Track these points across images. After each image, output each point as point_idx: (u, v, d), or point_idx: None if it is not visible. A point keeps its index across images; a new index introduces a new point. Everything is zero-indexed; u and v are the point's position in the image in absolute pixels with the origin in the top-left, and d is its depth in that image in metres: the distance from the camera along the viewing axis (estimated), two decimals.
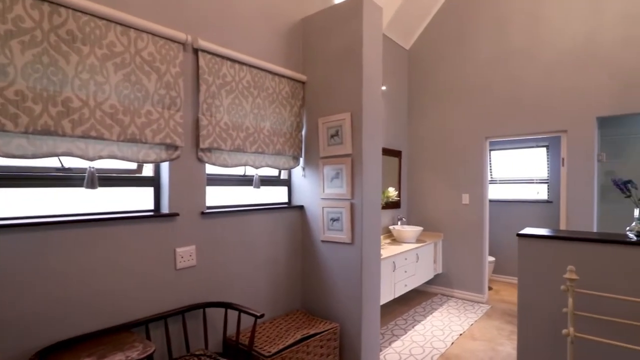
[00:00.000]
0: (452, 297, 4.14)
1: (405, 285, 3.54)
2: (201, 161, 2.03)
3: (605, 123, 3.58)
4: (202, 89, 2.00)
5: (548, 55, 3.57)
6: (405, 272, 3.53)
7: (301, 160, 2.74)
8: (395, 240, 3.99)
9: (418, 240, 3.93)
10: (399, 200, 4.35)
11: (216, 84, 2.08)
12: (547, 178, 4.59)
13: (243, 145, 2.23)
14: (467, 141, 4.09)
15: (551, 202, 4.51)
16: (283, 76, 2.52)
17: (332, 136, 2.56)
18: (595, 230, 3.33)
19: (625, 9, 3.18)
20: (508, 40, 3.82)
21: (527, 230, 2.18)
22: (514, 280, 4.73)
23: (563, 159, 3.58)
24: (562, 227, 3.56)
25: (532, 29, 3.67)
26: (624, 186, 1.73)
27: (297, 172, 2.78)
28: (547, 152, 4.58)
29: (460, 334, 3.10)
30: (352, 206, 2.43)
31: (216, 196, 2.25)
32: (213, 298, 2.09)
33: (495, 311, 3.67)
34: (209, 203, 2.13)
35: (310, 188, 2.69)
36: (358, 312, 2.36)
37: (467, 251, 4.07)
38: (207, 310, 2.05)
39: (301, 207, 2.75)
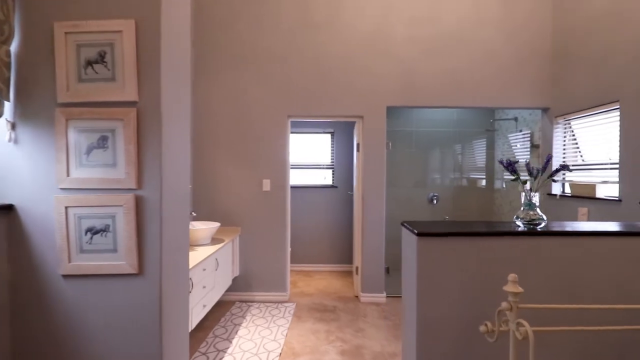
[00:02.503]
0: (253, 302, 3.49)
1: (204, 306, 2.58)
2: None
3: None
4: None
5: (349, 36, 3.47)
6: (204, 287, 2.56)
7: (6, 106, 1.28)
8: None
9: (214, 240, 3.02)
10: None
11: None
12: (331, 164, 4.72)
13: None
14: (268, 119, 3.50)
15: (336, 187, 4.67)
16: None
17: (90, 63, 1.28)
18: (385, 214, 3.52)
19: (410, 11, 3.45)
20: (311, 11, 3.48)
21: (423, 227, 1.55)
22: (307, 268, 4.65)
23: (358, 144, 3.62)
24: (358, 212, 3.61)
25: (334, 2, 3.47)
26: (511, 167, 1.56)
27: None
28: (332, 138, 4.71)
29: (279, 355, 2.48)
30: (138, 203, 1.28)
31: None
32: None
33: (301, 309, 3.31)
34: None
35: (32, 168, 1.29)
36: None
37: (267, 245, 3.52)
38: None
39: (7, 208, 1.29)
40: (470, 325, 1.44)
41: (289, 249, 3.60)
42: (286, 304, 3.43)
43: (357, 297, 3.65)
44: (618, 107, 2.65)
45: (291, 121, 3.62)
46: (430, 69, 3.45)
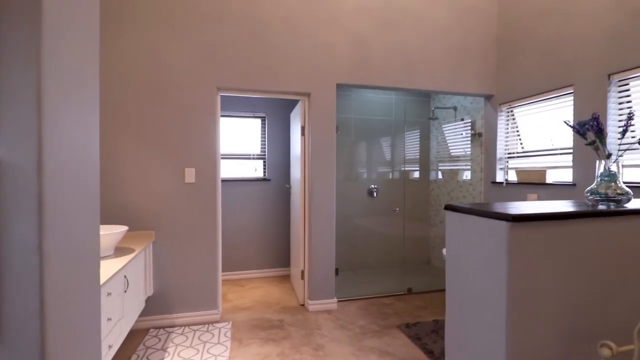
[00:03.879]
0: (173, 327, 2.69)
1: (110, 347, 1.76)
2: None
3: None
4: None
5: None
6: (109, 320, 1.75)
7: None
8: None
9: (120, 251, 2.17)
10: None
11: None
12: (262, 154, 4.09)
13: None
14: (194, 91, 2.74)
15: (269, 180, 4.06)
16: None
17: None
18: (335, 209, 3.08)
19: None
20: None
21: (512, 209, 1.11)
22: (237, 275, 3.94)
23: (303, 127, 3.10)
24: (300, 209, 3.09)
25: None
26: (592, 126, 1.21)
27: None
28: (263, 124, 4.09)
29: None
30: None
31: None
32: None
33: (240, 329, 2.65)
34: None
35: None
36: None
37: (192, 252, 2.76)
38: None
39: None
40: (582, 344, 1.03)
41: (220, 255, 2.89)
42: (219, 325, 2.72)
43: (303, 305, 3.14)
44: (572, 91, 2.67)
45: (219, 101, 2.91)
46: (383, 45, 3.12)
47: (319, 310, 3.02)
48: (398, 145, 4.42)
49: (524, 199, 3.05)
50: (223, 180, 3.87)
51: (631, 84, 2.32)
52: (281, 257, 4.10)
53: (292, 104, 4.07)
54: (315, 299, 3.03)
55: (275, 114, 4.08)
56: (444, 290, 3.56)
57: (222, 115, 3.92)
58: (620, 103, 2.39)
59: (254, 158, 4.09)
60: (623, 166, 2.35)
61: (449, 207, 1.18)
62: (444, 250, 3.20)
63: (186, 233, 2.74)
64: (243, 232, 3.98)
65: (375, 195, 4.31)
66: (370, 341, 2.47)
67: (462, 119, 3.85)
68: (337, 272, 3.22)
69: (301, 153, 3.12)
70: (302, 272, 3.14)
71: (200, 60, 2.75)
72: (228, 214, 3.91)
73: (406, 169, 4.47)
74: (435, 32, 3.24)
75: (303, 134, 3.11)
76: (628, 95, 2.34)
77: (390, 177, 4.41)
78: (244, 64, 2.83)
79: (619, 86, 2.39)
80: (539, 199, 2.91)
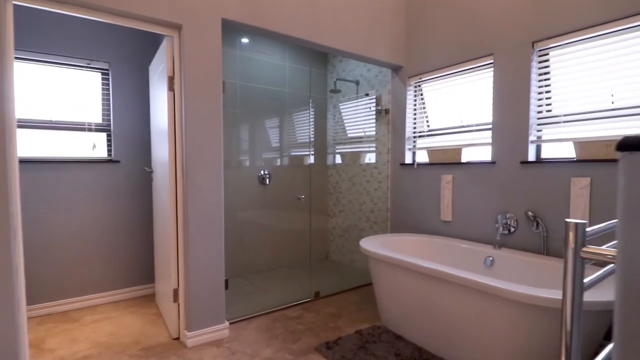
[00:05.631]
0: None
1: None
2: None
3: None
4: None
5: None
6: None
7: None
8: None
9: None
10: None
11: None
12: (106, 124, 2.82)
13: None
14: None
15: (118, 162, 2.82)
16: None
17: None
18: (223, 197, 2.18)
19: None
20: None
21: None
22: (67, 305, 2.59)
23: (171, 78, 2.10)
24: (172, 200, 2.09)
25: None
26: None
27: None
28: (106, 79, 2.81)
29: None
30: None
31: None
32: None
33: None
34: None
35: None
36: None
37: None
38: None
39: None
40: None
41: (21, 281, 1.66)
42: None
43: (178, 339, 2.16)
44: (492, 62, 2.46)
45: (21, 41, 1.66)
46: None
47: (203, 343, 2.11)
48: (294, 122, 3.75)
49: (438, 181, 2.78)
50: (26, 161, 2.48)
51: (551, 54, 2.20)
52: (140, 270, 2.93)
53: (152, 48, 2.92)
54: (197, 329, 2.10)
55: (126, 65, 2.85)
56: (351, 289, 3.20)
57: (31, 60, 2.50)
58: (540, 74, 2.26)
59: (90, 129, 2.78)
60: (543, 141, 2.23)
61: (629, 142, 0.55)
62: (363, 242, 2.74)
63: None
64: (74, 239, 2.66)
65: (267, 182, 3.54)
66: None
67: (367, 94, 3.42)
68: (226, 284, 2.36)
69: (169, 120, 2.10)
70: (175, 291, 2.15)
71: None
72: (45, 214, 2.54)
73: (301, 153, 3.84)
74: None
75: (171, 88, 2.10)
76: (547, 67, 2.22)
77: (286, 160, 3.71)
78: None
79: (539, 56, 2.25)
80: (454, 180, 2.67)
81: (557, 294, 1.46)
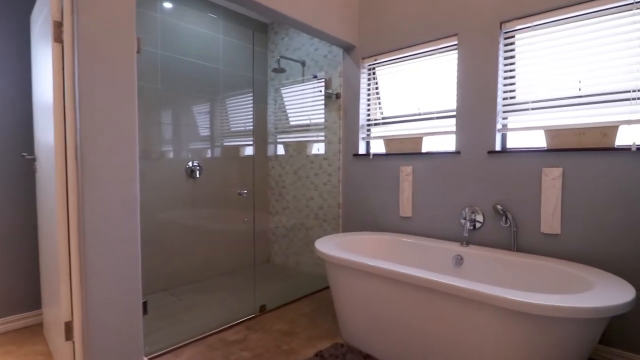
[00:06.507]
0: None
1: None
2: None
3: None
4: None
5: None
6: None
7: None
8: None
9: None
10: None
11: None
12: None
13: None
14: None
15: None
16: None
17: None
18: (138, 192, 1.63)
19: None
20: None
21: None
22: None
23: (59, 24, 1.48)
24: (57, 197, 1.48)
25: None
26: None
27: None
28: None
29: None
30: None
31: None
32: None
33: None
34: None
35: None
36: None
37: None
38: None
39: None
40: None
41: None
42: None
43: None
44: (456, 43, 2.26)
45: None
46: None
47: None
48: (230, 107, 3.21)
49: (396, 173, 2.53)
50: None
51: (517, 36, 2.07)
52: (23, 294, 2.18)
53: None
54: None
55: None
56: (302, 298, 2.78)
57: None
58: (505, 58, 2.11)
59: None
60: (509, 129, 2.09)
61: None
62: (319, 244, 2.13)
63: None
64: None
65: (198, 175, 2.97)
66: None
67: (315, 76, 3.05)
68: (145, 307, 1.80)
69: (55, 86, 1.48)
70: (68, 325, 1.54)
71: None
72: None
73: (239, 142, 3.32)
74: None
75: (59, 39, 1.48)
76: (513, 50, 2.08)
77: (220, 151, 3.16)
78: None
79: (506, 39, 2.10)
80: (415, 172, 2.44)
81: (557, 301, 1.26)
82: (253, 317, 2.29)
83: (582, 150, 1.78)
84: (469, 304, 1.42)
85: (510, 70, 2.08)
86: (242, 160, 3.32)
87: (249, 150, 3.40)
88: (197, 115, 3.00)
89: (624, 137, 1.73)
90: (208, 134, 3.08)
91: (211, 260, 3.07)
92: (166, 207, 2.79)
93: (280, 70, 3.13)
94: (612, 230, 1.72)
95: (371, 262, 1.72)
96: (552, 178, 1.86)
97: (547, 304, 1.23)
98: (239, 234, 3.28)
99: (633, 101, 1.68)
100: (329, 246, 2.07)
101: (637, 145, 1.63)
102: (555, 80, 1.92)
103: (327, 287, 2.85)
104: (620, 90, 1.71)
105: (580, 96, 1.84)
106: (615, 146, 1.71)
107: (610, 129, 1.72)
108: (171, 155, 2.83)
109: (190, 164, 2.94)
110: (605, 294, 1.33)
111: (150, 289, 2.71)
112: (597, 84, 1.78)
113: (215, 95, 3.09)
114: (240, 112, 3.31)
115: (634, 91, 1.67)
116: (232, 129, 3.25)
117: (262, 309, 2.36)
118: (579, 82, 1.86)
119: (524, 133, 2.08)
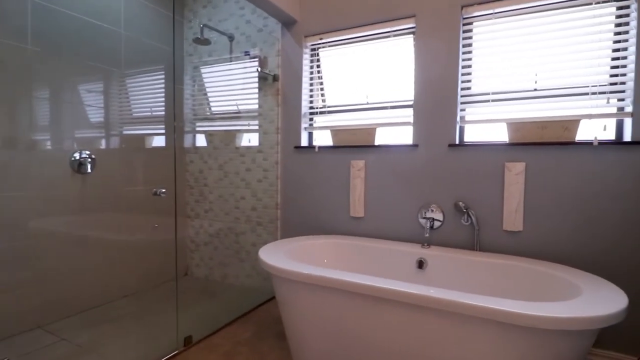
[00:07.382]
0: None
1: None
2: None
3: None
4: None
5: None
6: None
7: None
8: None
9: None
10: None
11: None
12: None
13: None
14: None
15: None
16: None
17: None
18: None
19: None
20: None
21: None
22: None
23: None
24: None
25: None
26: None
27: None
28: None
29: None
30: None
31: None
32: None
33: None
34: None
35: None
36: None
37: None
38: None
39: None
40: None
41: None
42: None
43: None
44: (413, 25, 2.06)
45: None
46: None
47: None
48: (134, 85, 2.53)
49: (346, 168, 2.25)
50: None
51: (475, 23, 1.96)
52: None
53: None
54: None
55: None
56: (237, 319, 2.01)
57: None
58: (464, 46, 1.99)
59: None
60: (469, 122, 1.98)
61: None
62: (263, 254, 1.67)
63: None
64: None
65: (90, 170, 2.24)
66: None
67: (247, 53, 2.58)
68: None
69: None
70: None
71: None
72: None
73: (147, 130, 2.64)
74: None
75: None
76: (470, 38, 1.97)
77: (118, 141, 2.46)
78: None
79: (464, 24, 1.98)
80: (367, 167, 2.19)
81: (562, 312, 1.11)
82: (176, 354, 1.75)
83: (544, 144, 1.74)
84: (451, 317, 1.19)
85: (468, 59, 1.96)
86: (150, 152, 2.66)
87: (158, 141, 2.75)
88: (87, 94, 2.26)
89: (585, 132, 1.73)
90: (102, 119, 2.36)
91: (109, 280, 2.37)
92: (41, 213, 2.02)
93: (204, 42, 2.56)
94: (573, 226, 1.70)
95: (345, 277, 1.39)
96: (515, 173, 1.79)
97: (550, 316, 1.07)
98: (147, 245, 2.62)
99: (593, 95, 1.68)
100: (277, 256, 1.67)
101: (599, 140, 1.63)
102: (513, 72, 1.86)
103: (267, 301, 2.43)
104: (581, 84, 1.71)
105: (540, 89, 1.80)
106: (577, 140, 1.69)
107: (572, 123, 1.70)
108: (49, 144, 2.06)
109: (77, 155, 2.20)
110: (598, 298, 1.23)
111: (17, 328, 1.93)
112: (558, 77, 1.76)
113: (113, 67, 2.38)
114: (147, 92, 2.65)
115: (593, 86, 1.67)
116: (136, 114, 2.58)
117: (188, 341, 1.84)
118: (535, 75, 1.83)
119: (485, 126, 1.98)
